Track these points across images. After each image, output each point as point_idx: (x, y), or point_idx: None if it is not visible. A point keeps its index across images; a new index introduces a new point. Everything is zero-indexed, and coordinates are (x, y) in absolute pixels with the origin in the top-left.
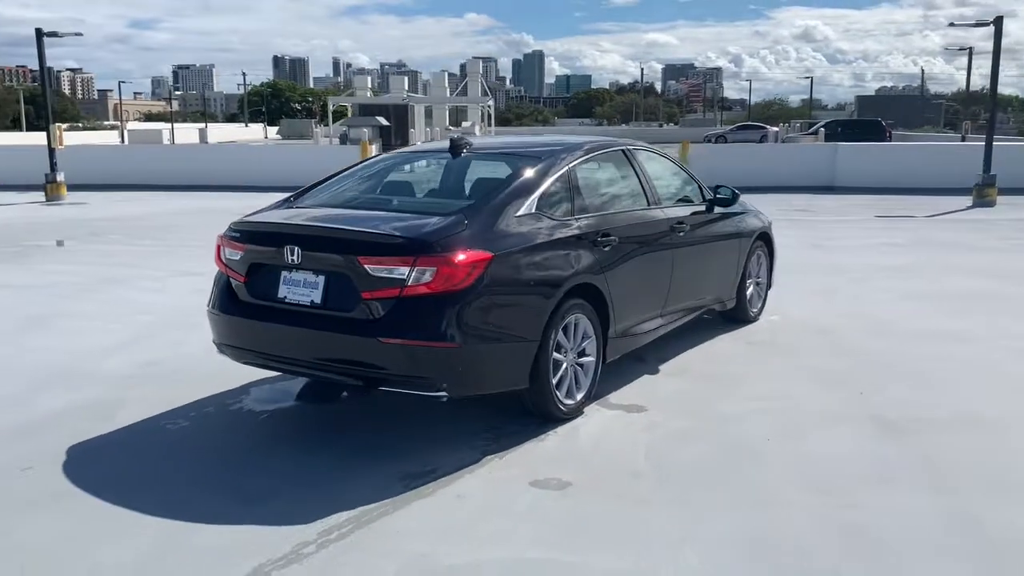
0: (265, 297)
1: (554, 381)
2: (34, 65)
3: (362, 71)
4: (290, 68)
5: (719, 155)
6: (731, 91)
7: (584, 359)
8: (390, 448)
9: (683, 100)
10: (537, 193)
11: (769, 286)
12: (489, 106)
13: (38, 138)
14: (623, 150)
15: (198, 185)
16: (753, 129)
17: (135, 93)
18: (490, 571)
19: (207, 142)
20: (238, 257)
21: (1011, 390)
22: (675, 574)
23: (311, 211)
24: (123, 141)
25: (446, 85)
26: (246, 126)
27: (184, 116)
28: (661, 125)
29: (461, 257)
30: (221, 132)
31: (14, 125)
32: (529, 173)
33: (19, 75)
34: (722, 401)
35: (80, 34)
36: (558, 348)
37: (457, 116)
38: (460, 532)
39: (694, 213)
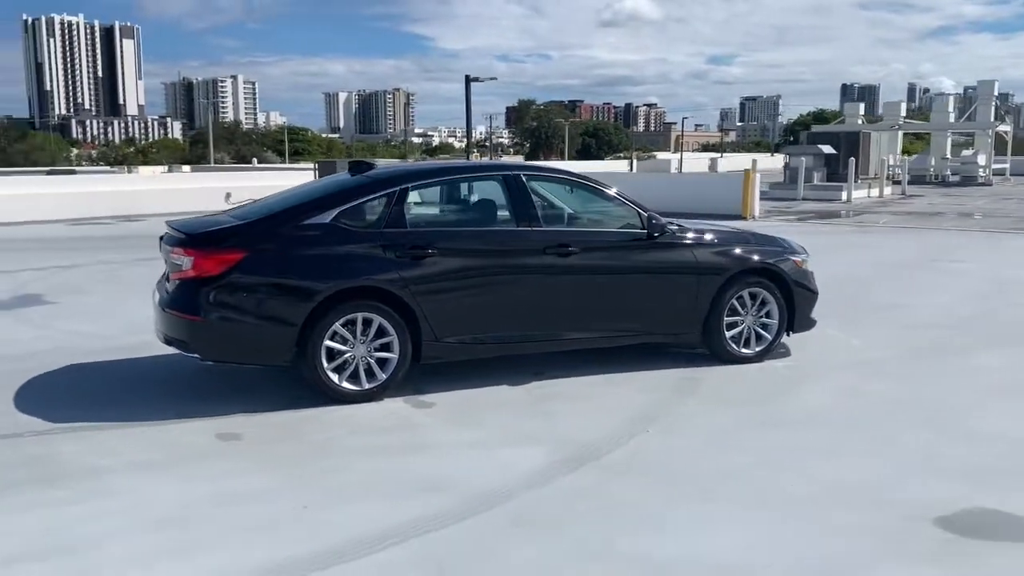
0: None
1: (327, 366)
2: (617, 102)
3: (940, 95)
4: (858, 95)
5: None
6: None
7: (383, 354)
8: (209, 395)
9: None
10: (341, 207)
11: (789, 327)
12: (1005, 132)
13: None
14: (503, 176)
15: None
16: None
17: (696, 125)
18: (84, 475)
19: (716, 171)
20: None
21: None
22: (207, 487)
23: (205, 217)
24: (631, 169)
25: (950, 110)
26: (771, 155)
27: (740, 146)
28: None
29: (213, 252)
30: (735, 161)
31: (578, 155)
32: (348, 190)
33: (604, 112)
34: (494, 415)
35: (495, 78)
36: (343, 340)
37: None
38: (112, 448)
39: (600, 240)
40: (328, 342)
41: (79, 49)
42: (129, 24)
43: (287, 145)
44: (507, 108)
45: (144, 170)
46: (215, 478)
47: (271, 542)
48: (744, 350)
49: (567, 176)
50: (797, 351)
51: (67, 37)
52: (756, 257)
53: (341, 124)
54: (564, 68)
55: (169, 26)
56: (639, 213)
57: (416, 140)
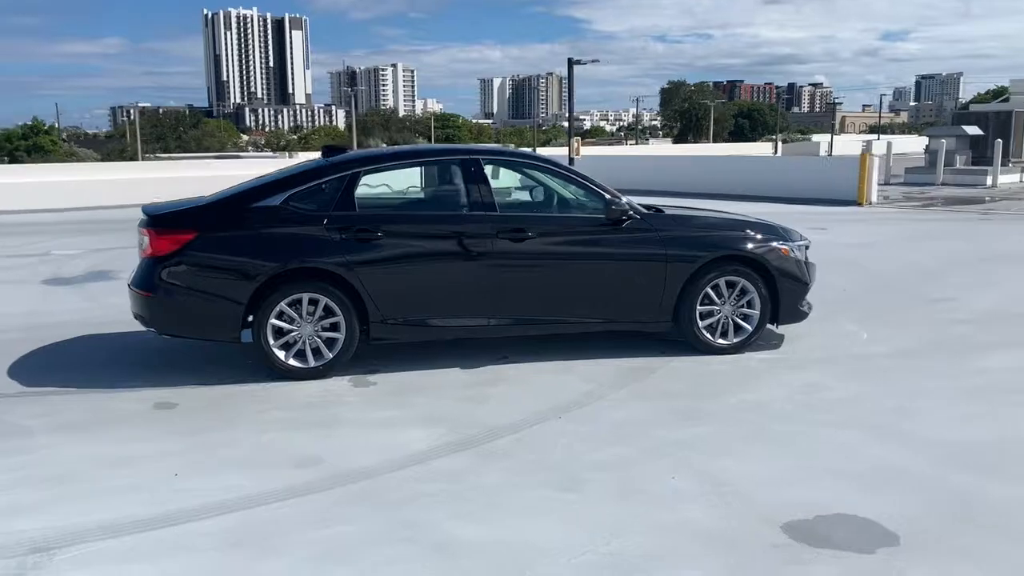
0: None
1: (273, 343)
2: (779, 81)
3: None
4: None
5: None
6: None
7: (331, 334)
8: (178, 366)
9: None
10: (291, 191)
11: (774, 319)
12: None
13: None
14: (461, 160)
15: (718, 194)
16: None
17: (864, 105)
18: (11, 434)
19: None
20: None
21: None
22: (108, 450)
23: (181, 200)
24: (776, 152)
25: None
26: (920, 136)
27: (910, 127)
28: None
29: (166, 232)
30: (895, 143)
31: (730, 137)
32: (301, 174)
33: (766, 92)
34: (424, 397)
35: (597, 60)
36: (289, 319)
37: None
38: (55, 410)
39: (557, 225)
40: (275, 320)
41: (253, 41)
42: (298, 16)
43: (433, 131)
44: (660, 90)
45: (302, 156)
46: (121, 442)
47: (123, 503)
48: (720, 340)
49: (529, 160)
50: (791, 342)
51: (242, 30)
52: (732, 245)
53: (495, 109)
54: (725, 47)
55: (336, 17)
56: (603, 197)
57: (567, 124)
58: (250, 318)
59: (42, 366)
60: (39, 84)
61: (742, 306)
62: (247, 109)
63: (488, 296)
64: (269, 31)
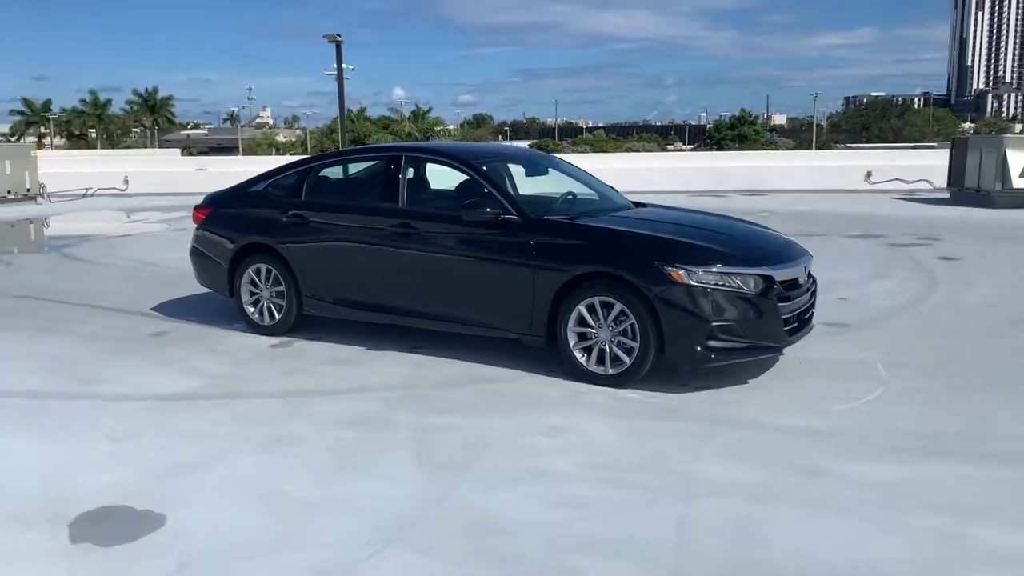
0: None
1: (245, 300)
2: None
3: None
4: None
5: None
6: None
7: (280, 301)
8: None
9: None
10: (271, 179)
11: (661, 351)
12: None
13: None
14: (386, 156)
15: None
16: None
17: None
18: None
19: None
20: None
21: None
22: (53, 350)
23: None
24: None
25: None
26: None
27: None
28: None
29: (198, 208)
30: None
31: None
32: (283, 166)
33: None
34: (281, 363)
35: None
36: (257, 285)
37: None
38: (94, 323)
39: (439, 222)
40: (247, 284)
41: (1007, 20)
42: None
43: None
44: None
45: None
46: (71, 346)
47: None
48: (595, 368)
49: (439, 158)
50: (738, 390)
51: (995, 9)
52: (599, 260)
53: None
54: None
55: None
56: (494, 197)
57: None
58: None
59: (158, 299)
60: (785, 78)
61: (624, 333)
62: (990, 95)
63: (388, 287)
64: None
